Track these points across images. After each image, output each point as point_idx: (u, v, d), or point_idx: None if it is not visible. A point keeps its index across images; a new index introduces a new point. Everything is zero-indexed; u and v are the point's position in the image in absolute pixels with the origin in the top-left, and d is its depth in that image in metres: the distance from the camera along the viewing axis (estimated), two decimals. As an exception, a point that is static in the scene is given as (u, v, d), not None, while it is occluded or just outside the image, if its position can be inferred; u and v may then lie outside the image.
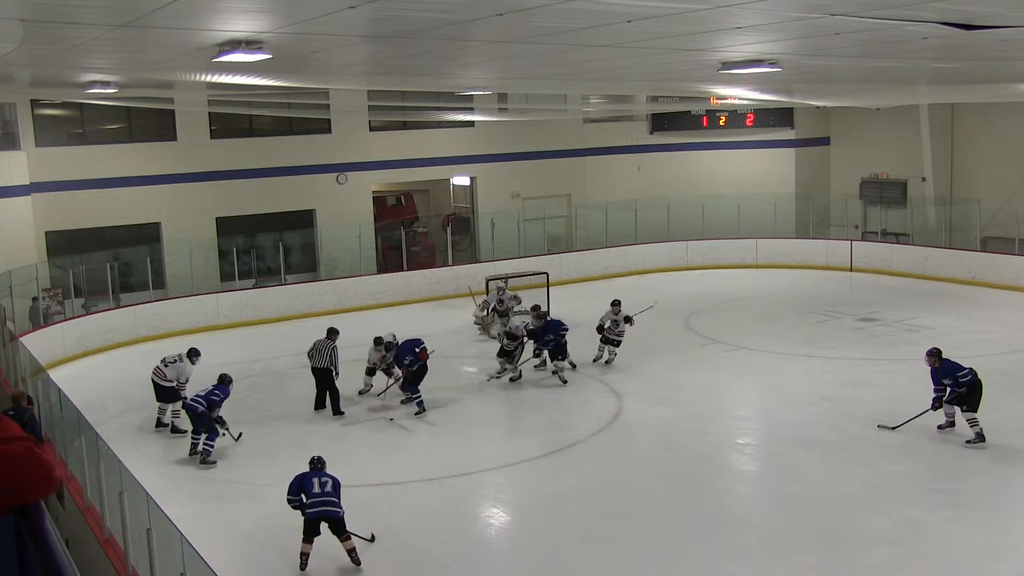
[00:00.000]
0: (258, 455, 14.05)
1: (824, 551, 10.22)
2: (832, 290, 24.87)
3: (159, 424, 15.36)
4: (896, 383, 16.28)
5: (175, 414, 15.12)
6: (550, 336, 16.95)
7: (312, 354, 15.73)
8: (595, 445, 13.79)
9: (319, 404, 15.80)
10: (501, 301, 20.71)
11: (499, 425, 15.25)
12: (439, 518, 11.52)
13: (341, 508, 10.19)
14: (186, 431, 14.41)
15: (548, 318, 17.48)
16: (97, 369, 19.64)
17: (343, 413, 15.54)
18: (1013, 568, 9.94)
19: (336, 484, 10.33)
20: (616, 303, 18.16)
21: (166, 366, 15.21)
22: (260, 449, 14.31)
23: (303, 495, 10.25)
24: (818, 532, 10.67)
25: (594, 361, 18.05)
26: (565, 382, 16.74)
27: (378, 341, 16.29)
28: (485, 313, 20.95)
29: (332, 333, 15.96)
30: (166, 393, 15.13)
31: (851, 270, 27.04)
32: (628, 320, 17.88)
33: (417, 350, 15.46)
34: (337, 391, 15.64)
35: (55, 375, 15.79)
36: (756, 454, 14.06)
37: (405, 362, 15.45)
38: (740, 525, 11.27)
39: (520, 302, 20.96)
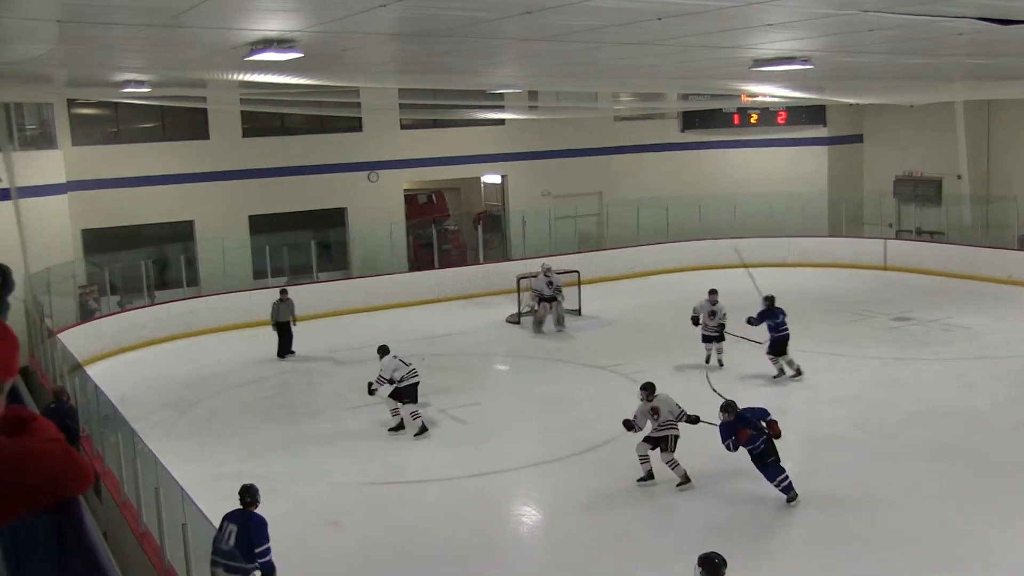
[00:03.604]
0: (288, 452, 14.15)
1: (856, 551, 10.14)
2: (865, 289, 24.65)
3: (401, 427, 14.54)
4: (929, 383, 16.13)
5: (415, 415, 14.43)
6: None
7: (275, 313, 19.56)
8: (628, 444, 13.71)
9: (283, 352, 19.60)
10: (550, 283, 20.66)
11: (530, 423, 15.25)
12: (470, 516, 11.55)
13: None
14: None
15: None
16: (132, 365, 19.86)
17: (293, 352, 19.62)
18: (1049, 570, 9.84)
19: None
20: (713, 292, 17.27)
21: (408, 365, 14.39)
22: (290, 446, 14.42)
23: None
24: (851, 532, 10.58)
25: (707, 362, 17.06)
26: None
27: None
28: (536, 305, 20.84)
29: (284, 293, 19.84)
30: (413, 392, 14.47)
31: (884, 269, 26.80)
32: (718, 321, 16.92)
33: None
34: (291, 338, 19.71)
35: (91, 371, 16.01)
36: (787, 454, 13.94)
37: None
38: (772, 525, 11.21)
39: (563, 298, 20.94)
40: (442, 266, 26.26)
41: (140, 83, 17.08)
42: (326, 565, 10.51)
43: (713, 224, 28.45)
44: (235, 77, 14.57)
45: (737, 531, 10.84)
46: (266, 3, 8.19)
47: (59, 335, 17.28)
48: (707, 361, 17.25)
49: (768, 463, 11.20)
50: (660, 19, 8.47)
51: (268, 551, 8.47)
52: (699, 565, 7.47)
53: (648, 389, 12.03)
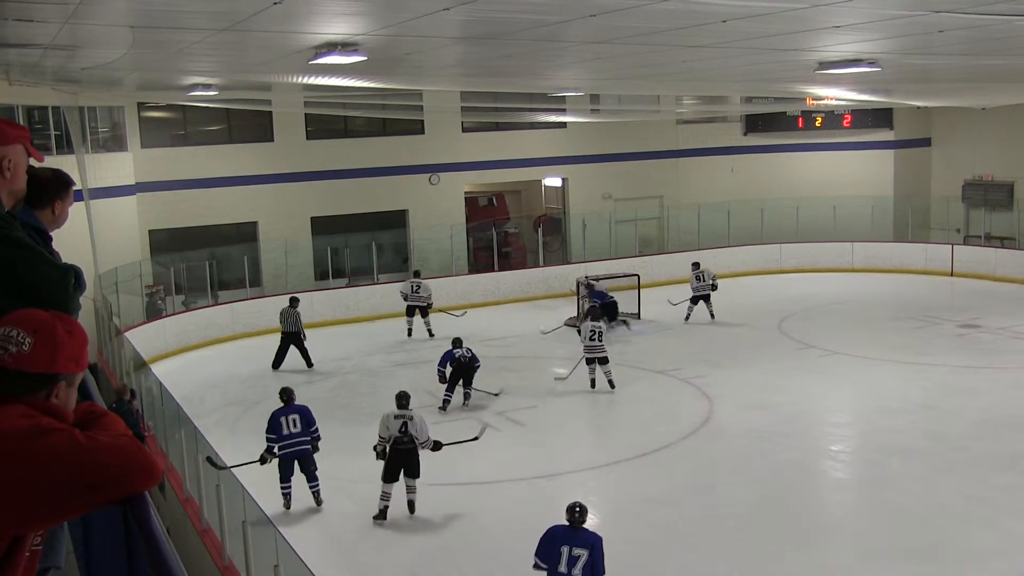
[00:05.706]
0: (349, 452, 14.24)
1: (921, 565, 9.93)
2: (931, 295, 24.17)
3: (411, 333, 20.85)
4: (998, 391, 15.75)
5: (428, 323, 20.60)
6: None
7: (282, 320, 19.14)
8: (685, 449, 13.66)
9: (277, 364, 19.02)
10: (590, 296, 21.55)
11: (588, 427, 15.22)
12: (527, 518, 11.52)
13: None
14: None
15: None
16: (196, 364, 20.19)
17: (312, 365, 19.06)
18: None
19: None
20: (696, 264, 21.65)
21: (416, 291, 20.76)
22: (351, 447, 14.49)
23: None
24: (915, 545, 10.37)
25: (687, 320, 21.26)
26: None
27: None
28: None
29: (294, 302, 19.26)
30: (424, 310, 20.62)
31: (952, 275, 26.24)
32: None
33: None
34: (306, 349, 19.14)
35: (156, 369, 16.31)
36: (850, 461, 13.76)
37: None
38: (833, 534, 11.04)
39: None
40: (502, 269, 26.31)
41: (207, 86, 17.36)
42: (387, 566, 10.57)
43: (776, 228, 28.13)
44: (300, 80, 14.75)
45: (796, 540, 10.68)
46: (331, 7, 8.27)
47: (126, 333, 17.63)
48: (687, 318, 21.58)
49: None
50: (725, 22, 8.39)
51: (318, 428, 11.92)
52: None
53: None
